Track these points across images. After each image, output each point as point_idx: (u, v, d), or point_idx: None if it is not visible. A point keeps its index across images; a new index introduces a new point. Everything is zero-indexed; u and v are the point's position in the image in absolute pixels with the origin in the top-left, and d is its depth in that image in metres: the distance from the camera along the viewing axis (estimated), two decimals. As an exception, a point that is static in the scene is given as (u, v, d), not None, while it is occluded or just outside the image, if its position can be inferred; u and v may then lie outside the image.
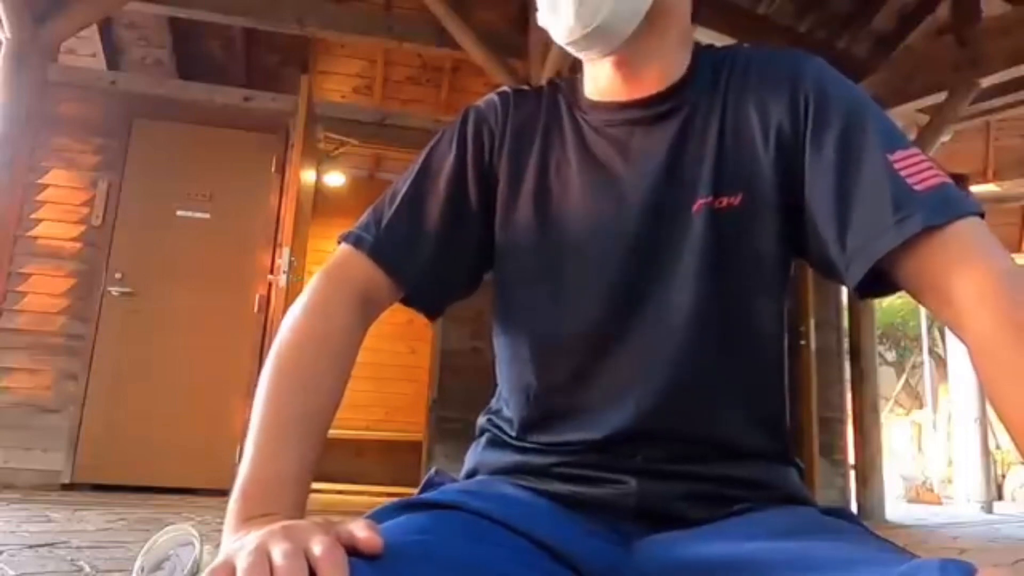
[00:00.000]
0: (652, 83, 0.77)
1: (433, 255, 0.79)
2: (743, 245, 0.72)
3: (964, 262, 0.62)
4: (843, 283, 0.70)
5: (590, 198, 0.76)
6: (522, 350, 0.78)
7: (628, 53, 0.76)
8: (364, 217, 0.82)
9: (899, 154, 0.67)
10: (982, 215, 0.65)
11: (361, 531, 0.50)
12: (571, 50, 0.76)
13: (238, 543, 0.50)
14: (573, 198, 0.77)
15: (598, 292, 0.74)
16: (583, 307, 0.75)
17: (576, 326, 0.75)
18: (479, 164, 0.82)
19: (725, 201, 0.72)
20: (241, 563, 0.46)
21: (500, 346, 0.83)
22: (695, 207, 0.73)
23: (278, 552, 0.47)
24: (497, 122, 0.83)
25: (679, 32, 0.79)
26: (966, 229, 0.63)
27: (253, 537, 0.50)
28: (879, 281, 0.67)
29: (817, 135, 0.71)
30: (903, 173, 0.65)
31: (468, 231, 0.81)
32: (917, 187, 0.65)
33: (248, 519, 0.59)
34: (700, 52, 0.80)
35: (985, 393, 0.59)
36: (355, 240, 0.79)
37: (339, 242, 0.80)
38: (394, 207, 0.80)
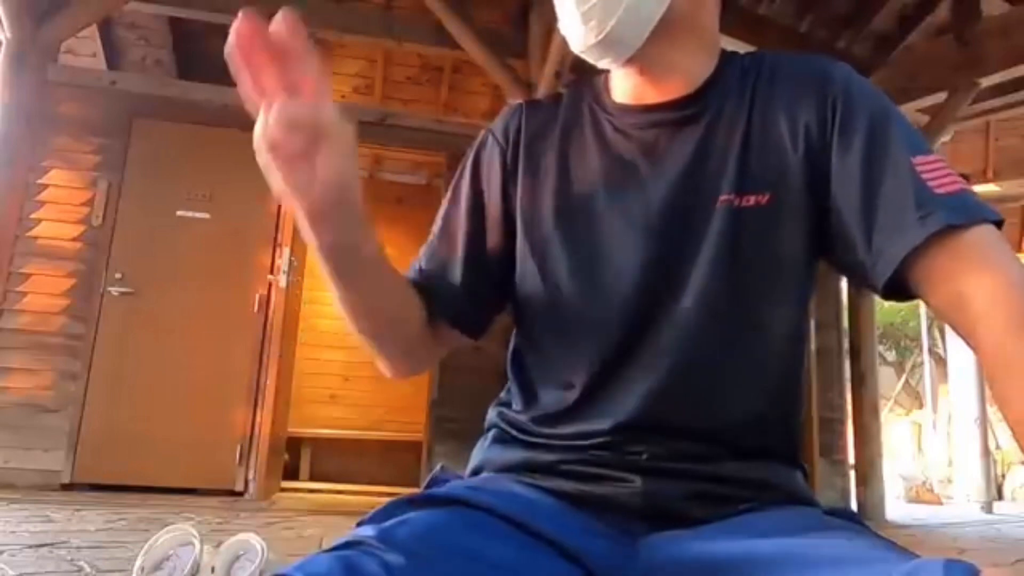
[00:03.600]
0: (676, 87, 0.78)
1: (465, 283, 0.82)
2: (766, 244, 0.73)
3: (980, 267, 0.63)
4: (869, 285, 0.71)
5: (614, 199, 0.78)
6: (543, 345, 0.80)
7: (646, 59, 0.77)
8: (427, 267, 0.86)
9: (922, 159, 0.68)
10: (1000, 223, 0.66)
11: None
12: (587, 58, 0.78)
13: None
14: (596, 199, 0.78)
15: (620, 290, 0.75)
16: (605, 304, 0.76)
17: (597, 323, 0.76)
18: (495, 184, 0.84)
19: (752, 199, 0.73)
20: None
21: (521, 342, 0.84)
22: (716, 204, 0.74)
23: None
24: (508, 136, 0.85)
25: (702, 38, 0.80)
26: (984, 235, 0.65)
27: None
28: (902, 281, 0.68)
29: (843, 138, 0.72)
30: (925, 177, 0.67)
31: (494, 252, 0.83)
32: (939, 190, 0.66)
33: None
34: (727, 57, 0.82)
35: (994, 398, 0.60)
36: (435, 302, 0.83)
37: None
38: (429, 242, 0.86)
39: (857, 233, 0.69)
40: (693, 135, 0.77)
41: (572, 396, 0.76)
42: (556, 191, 0.80)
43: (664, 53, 0.77)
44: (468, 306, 0.83)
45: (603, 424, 0.73)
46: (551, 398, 0.77)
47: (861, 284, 0.73)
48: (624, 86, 0.82)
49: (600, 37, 0.74)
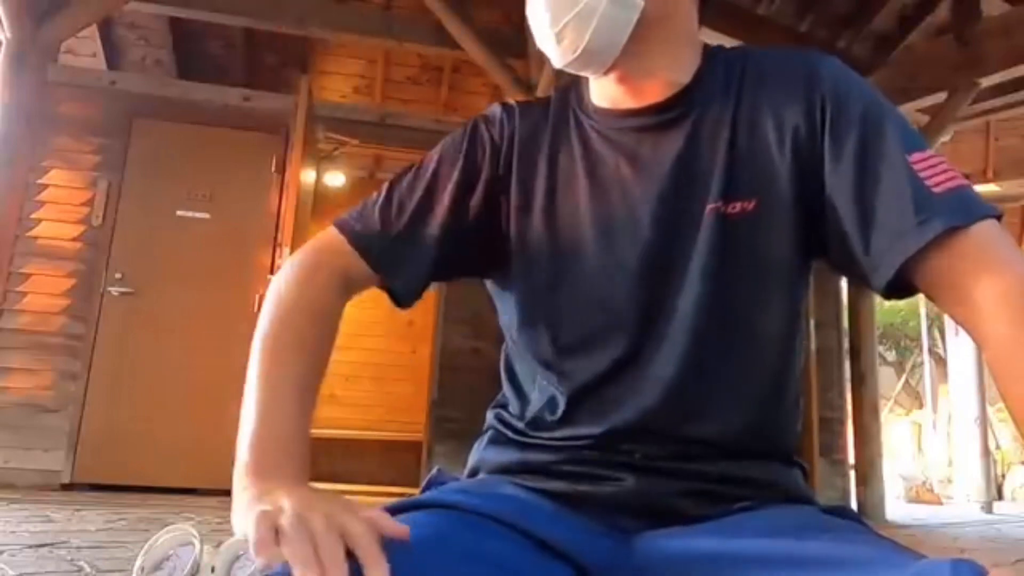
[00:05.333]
0: (658, 90, 0.77)
1: (430, 272, 0.81)
2: (754, 250, 0.72)
3: (984, 265, 0.62)
4: (868, 285, 0.70)
5: (601, 208, 0.76)
6: (533, 355, 0.78)
7: (627, 66, 0.76)
8: (368, 216, 0.81)
9: (917, 156, 0.67)
10: (1000, 217, 0.65)
11: (384, 521, 0.52)
12: (569, 71, 0.77)
13: (270, 504, 0.53)
14: (584, 208, 0.77)
15: (610, 299, 0.74)
16: (595, 313, 0.75)
17: (588, 331, 0.75)
18: (486, 178, 0.82)
19: (739, 206, 0.72)
20: (285, 521, 0.50)
21: (513, 349, 0.83)
22: (705, 212, 0.72)
23: (318, 520, 0.50)
24: (503, 135, 0.83)
25: (682, 37, 0.79)
26: (985, 232, 0.64)
27: (288, 501, 0.53)
28: (903, 282, 0.67)
29: (835, 139, 0.70)
30: (922, 175, 0.66)
31: (468, 245, 0.81)
32: (936, 189, 0.65)
33: (262, 473, 0.62)
34: (711, 54, 0.80)
35: (1000, 394, 0.59)
36: (362, 246, 0.79)
37: (333, 226, 0.81)
38: (403, 221, 0.80)
39: (855, 237, 0.68)
40: (676, 140, 0.75)
41: (562, 405, 0.75)
42: (546, 199, 0.79)
43: (642, 60, 0.76)
44: (421, 291, 0.82)
45: (595, 429, 0.72)
46: (542, 406, 0.76)
47: (862, 284, 0.73)
48: (604, 92, 0.81)
49: (577, 53, 0.73)
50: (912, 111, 5.19)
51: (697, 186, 0.73)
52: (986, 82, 4.75)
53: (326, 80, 6.52)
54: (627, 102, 0.79)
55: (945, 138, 5.12)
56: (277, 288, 0.77)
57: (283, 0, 4.93)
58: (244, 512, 0.55)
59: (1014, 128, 6.60)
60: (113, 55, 5.77)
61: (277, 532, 0.50)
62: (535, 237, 0.79)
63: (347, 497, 0.55)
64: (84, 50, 5.59)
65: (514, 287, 0.81)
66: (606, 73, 0.77)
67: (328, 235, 0.81)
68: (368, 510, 0.53)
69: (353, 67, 6.62)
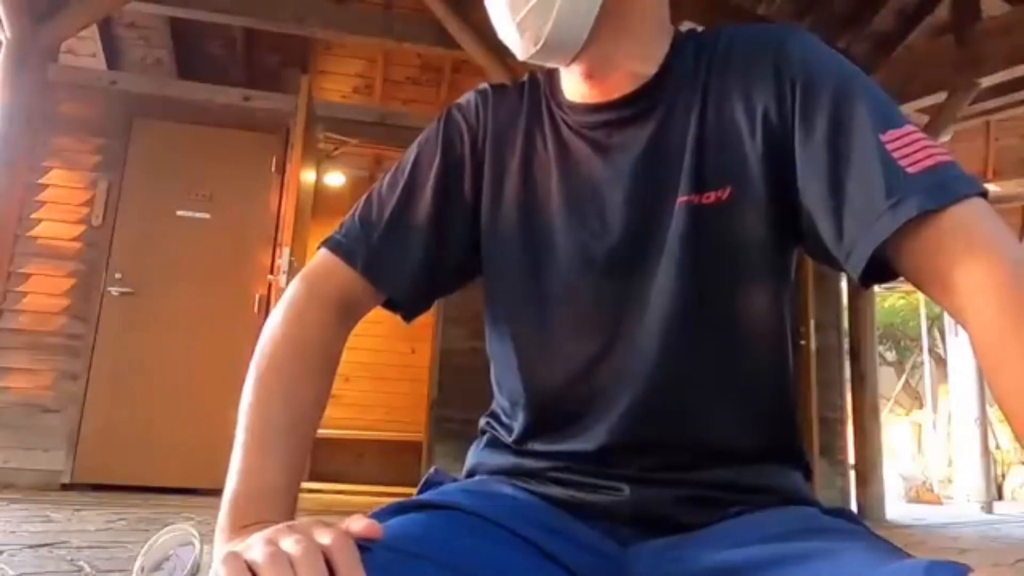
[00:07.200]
0: (625, 82, 0.74)
1: (423, 270, 0.78)
2: (730, 240, 0.69)
3: (965, 249, 0.58)
4: (844, 272, 0.67)
5: (572, 202, 0.74)
6: (511, 360, 0.76)
7: (593, 57, 0.73)
8: (349, 224, 0.80)
9: (891, 134, 0.63)
10: (984, 194, 0.60)
11: (358, 524, 0.51)
12: (533, 62, 0.74)
13: (242, 544, 0.50)
14: (555, 203, 0.75)
15: (582, 302, 0.72)
16: (568, 318, 0.73)
17: (562, 338, 0.73)
18: (466, 167, 0.80)
19: (713, 196, 0.69)
20: (256, 555, 0.47)
21: (492, 354, 0.81)
22: (677, 205, 0.70)
23: (289, 543, 0.48)
24: (479, 122, 0.81)
25: (650, 25, 0.76)
26: (966, 213, 0.59)
27: (258, 536, 0.50)
28: (881, 267, 0.63)
29: (806, 121, 0.67)
30: (896, 155, 0.61)
31: (457, 240, 0.79)
32: (910, 169, 0.60)
33: (242, 527, 0.60)
34: (681, 40, 0.77)
35: (987, 384, 0.56)
36: (346, 252, 0.78)
37: (321, 247, 0.80)
38: (384, 219, 0.79)
39: (828, 223, 0.64)
40: (645, 132, 0.73)
41: (546, 417, 0.73)
42: (517, 193, 0.77)
43: (608, 50, 0.73)
44: (420, 296, 0.80)
45: (587, 445, 0.70)
46: (528, 416, 0.75)
47: (839, 271, 0.69)
48: (573, 85, 0.78)
49: (540, 45, 0.70)
50: (912, 111, 5.19)
51: (668, 178, 0.71)
52: (986, 82, 4.75)
53: (326, 80, 6.53)
54: (595, 96, 0.76)
55: (945, 138, 5.12)
56: (267, 329, 0.74)
57: (283, 0, 4.93)
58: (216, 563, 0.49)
59: (1014, 128, 6.60)
60: (113, 55, 5.77)
61: (250, 567, 0.46)
62: (505, 233, 0.77)
63: (318, 519, 0.53)
64: (84, 50, 5.59)
65: (487, 285, 0.79)
66: (571, 63, 0.74)
67: (316, 258, 0.80)
68: (341, 522, 0.51)
69: (353, 67, 6.63)
